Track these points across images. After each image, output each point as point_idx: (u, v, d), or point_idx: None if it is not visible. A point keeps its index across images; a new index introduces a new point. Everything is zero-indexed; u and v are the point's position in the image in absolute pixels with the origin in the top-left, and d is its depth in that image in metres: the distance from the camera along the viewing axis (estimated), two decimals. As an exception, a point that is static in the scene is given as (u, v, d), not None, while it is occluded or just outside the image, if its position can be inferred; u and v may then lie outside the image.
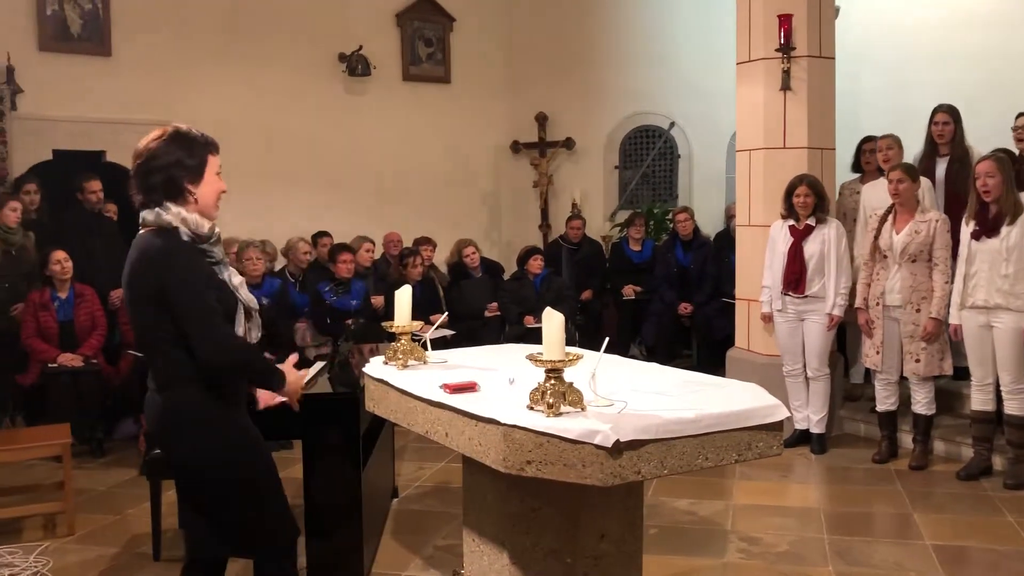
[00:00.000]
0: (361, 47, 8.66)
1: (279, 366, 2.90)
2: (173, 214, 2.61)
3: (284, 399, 3.03)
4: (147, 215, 2.65)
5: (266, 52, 8.32)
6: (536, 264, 7.67)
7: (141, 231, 2.68)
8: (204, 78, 8.06)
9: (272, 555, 2.86)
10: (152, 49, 7.83)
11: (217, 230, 2.72)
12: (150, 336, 2.66)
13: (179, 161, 2.64)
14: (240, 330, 2.74)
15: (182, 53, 7.96)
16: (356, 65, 8.66)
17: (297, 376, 2.95)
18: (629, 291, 8.09)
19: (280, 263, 7.59)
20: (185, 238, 2.62)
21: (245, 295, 2.78)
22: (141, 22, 7.79)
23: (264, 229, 7.60)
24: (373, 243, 7.79)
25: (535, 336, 2.43)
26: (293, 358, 3.04)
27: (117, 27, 7.70)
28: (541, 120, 9.36)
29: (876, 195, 5.77)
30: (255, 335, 2.83)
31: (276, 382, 2.85)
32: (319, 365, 4.62)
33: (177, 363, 2.63)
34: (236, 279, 2.78)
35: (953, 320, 5.11)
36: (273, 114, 8.37)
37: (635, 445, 2.26)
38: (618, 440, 2.23)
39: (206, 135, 2.76)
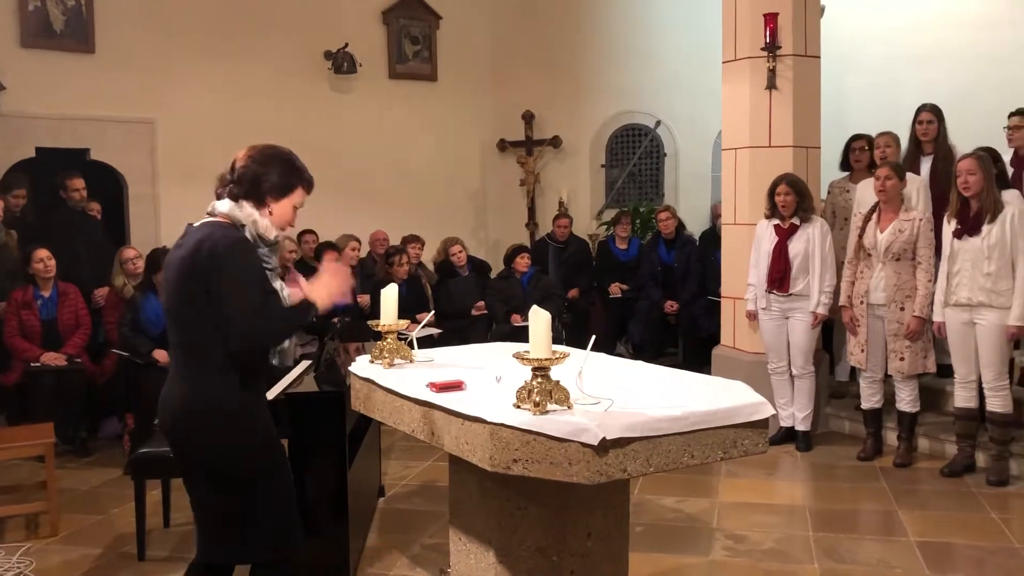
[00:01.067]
0: (347, 44, 8.63)
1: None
2: (246, 212, 2.69)
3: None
4: (220, 205, 2.71)
5: (251, 49, 8.28)
6: (523, 262, 7.67)
7: (205, 219, 2.71)
8: (189, 75, 8.01)
9: (273, 563, 2.81)
10: (136, 46, 7.77)
11: (279, 241, 2.80)
12: (191, 321, 2.66)
13: (269, 177, 2.74)
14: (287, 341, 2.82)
15: (166, 50, 7.91)
16: (342, 63, 8.63)
17: (320, 284, 2.90)
18: (615, 289, 8.11)
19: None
20: (249, 237, 2.68)
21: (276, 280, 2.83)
22: (125, 19, 7.74)
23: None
24: (359, 241, 7.77)
25: (522, 334, 2.43)
26: (330, 255, 3.12)
27: (100, 24, 7.65)
28: (528, 118, 9.36)
29: (870, 193, 5.79)
30: (295, 344, 2.88)
31: (314, 312, 2.87)
32: (305, 364, 4.61)
33: (215, 352, 2.63)
34: (286, 291, 2.82)
35: (937, 318, 5.14)
36: (258, 111, 8.32)
37: (621, 443, 2.26)
38: (604, 438, 2.23)
39: (309, 174, 2.87)
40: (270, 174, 2.74)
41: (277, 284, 2.78)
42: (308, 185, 2.85)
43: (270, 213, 2.75)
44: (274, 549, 2.78)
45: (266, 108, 8.36)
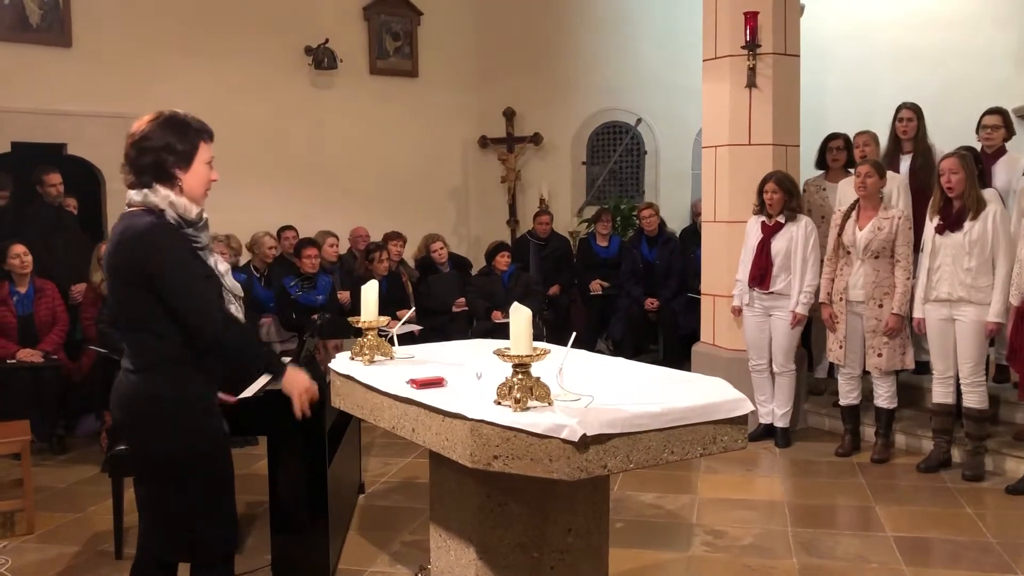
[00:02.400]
0: (328, 40, 8.59)
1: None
2: (161, 196, 2.58)
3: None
4: (134, 195, 2.61)
5: (231, 44, 8.22)
6: (503, 260, 7.67)
7: (126, 210, 2.64)
8: (167, 70, 7.94)
9: (213, 562, 2.75)
10: (113, 40, 7.70)
11: (205, 216, 2.68)
12: (133, 316, 2.61)
13: (169, 145, 2.60)
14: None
15: (145, 44, 7.84)
16: (323, 58, 8.59)
17: (299, 376, 2.83)
18: (596, 286, 8.12)
19: (245, 257, 7.52)
20: (171, 221, 2.59)
21: (230, 282, 2.78)
22: (102, 12, 7.66)
23: (228, 223, 7.49)
24: (337, 238, 7.74)
25: (503, 331, 2.42)
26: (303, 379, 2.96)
27: (77, 17, 7.57)
28: (509, 115, 9.36)
29: (851, 192, 5.83)
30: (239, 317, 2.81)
31: (278, 369, 2.79)
32: (285, 360, 4.58)
33: (159, 345, 2.59)
34: (222, 266, 2.77)
35: (917, 314, 5.19)
36: (238, 107, 8.27)
37: (601, 439, 2.27)
38: (585, 434, 2.23)
39: (202, 122, 2.72)
40: (166, 148, 2.60)
41: (211, 260, 2.72)
42: (208, 135, 2.72)
43: (181, 190, 2.62)
44: (215, 548, 2.74)
45: (246, 103, 8.31)
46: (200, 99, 8.05)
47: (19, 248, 5.99)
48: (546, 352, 2.40)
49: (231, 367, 2.81)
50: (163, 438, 2.61)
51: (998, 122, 5.69)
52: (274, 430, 3.65)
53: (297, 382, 2.82)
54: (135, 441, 2.71)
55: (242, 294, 2.84)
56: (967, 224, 4.92)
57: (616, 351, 7.50)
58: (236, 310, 2.79)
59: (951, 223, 4.98)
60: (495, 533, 2.73)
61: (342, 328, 6.04)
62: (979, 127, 5.76)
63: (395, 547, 4.25)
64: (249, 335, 2.74)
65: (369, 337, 3.16)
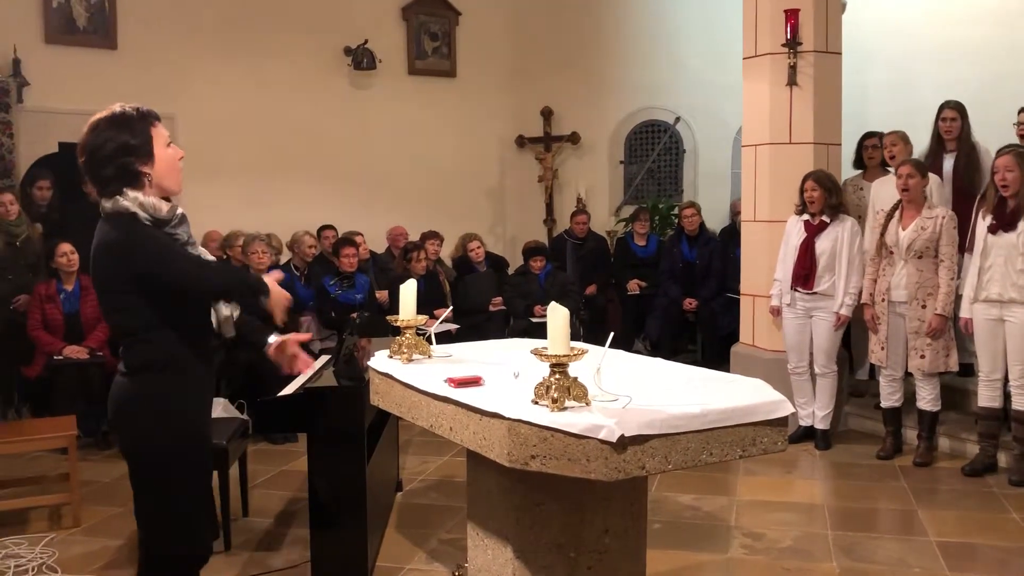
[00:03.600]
0: (367, 41, 8.66)
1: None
2: (130, 199, 2.52)
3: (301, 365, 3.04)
4: (105, 204, 2.56)
5: (272, 45, 8.32)
6: (536, 264, 7.67)
7: (101, 220, 2.60)
8: (210, 71, 8.07)
9: (165, 568, 2.70)
10: (158, 42, 7.84)
11: (179, 211, 2.63)
12: (124, 323, 2.61)
13: (123, 145, 2.54)
14: (218, 314, 2.73)
15: (188, 46, 7.98)
16: (362, 59, 8.66)
17: (280, 290, 2.84)
18: (634, 286, 8.09)
19: (285, 256, 7.60)
20: (145, 222, 2.54)
21: None
22: (147, 15, 7.80)
23: (269, 222, 7.60)
24: (362, 236, 7.72)
25: (540, 331, 2.42)
26: (276, 274, 3.00)
27: (123, 20, 7.71)
28: (546, 114, 9.35)
29: (885, 191, 5.75)
30: (228, 313, 2.78)
31: (262, 292, 2.78)
32: (324, 358, 4.63)
33: (151, 349, 2.58)
34: (208, 258, 2.76)
35: (964, 314, 5.10)
36: (278, 107, 8.38)
37: (639, 440, 2.26)
38: (623, 435, 2.22)
39: (141, 107, 2.62)
40: (121, 149, 2.53)
41: (195, 254, 2.70)
42: (154, 117, 2.63)
43: (151, 183, 2.57)
44: (164, 550, 2.68)
45: (286, 104, 8.41)
46: (241, 100, 8.21)
47: (66, 247, 6.11)
48: (583, 352, 2.39)
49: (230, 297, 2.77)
50: (147, 436, 2.59)
51: None
52: (314, 427, 3.68)
53: (281, 298, 2.82)
54: (123, 442, 2.69)
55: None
56: (1021, 224, 4.82)
57: (653, 351, 7.47)
58: (228, 303, 2.78)
59: (1005, 222, 4.88)
60: (532, 533, 2.73)
61: (380, 327, 6.09)
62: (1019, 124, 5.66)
63: (432, 545, 4.27)
64: (229, 271, 2.69)
65: (407, 336, 3.17)
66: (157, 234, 2.56)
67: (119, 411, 2.65)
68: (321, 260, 7.36)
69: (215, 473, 4.19)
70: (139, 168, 2.56)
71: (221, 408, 5.91)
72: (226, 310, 2.77)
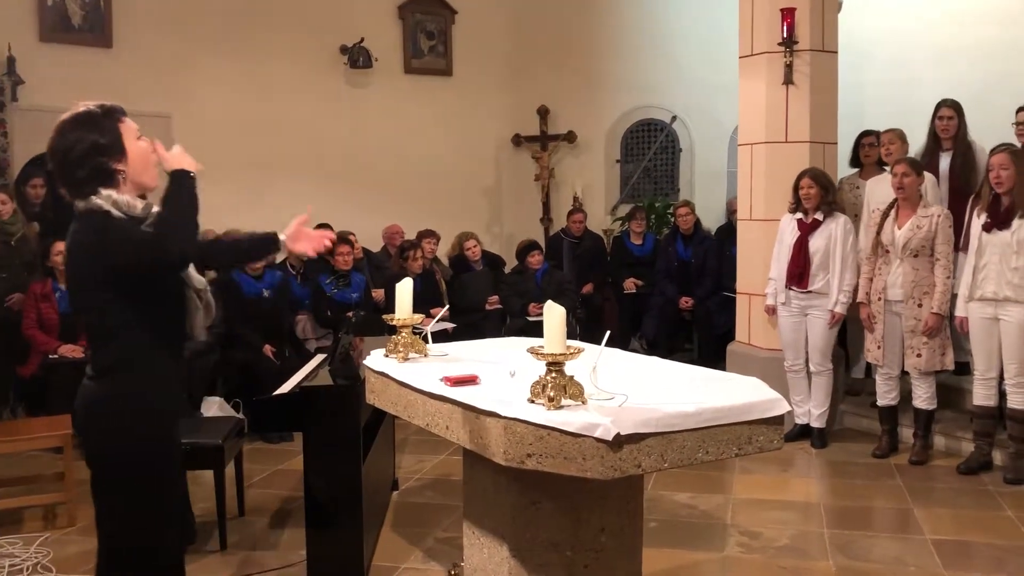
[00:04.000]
0: (363, 39, 8.65)
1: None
2: (103, 197, 2.45)
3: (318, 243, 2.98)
4: (79, 203, 2.49)
5: (268, 44, 8.31)
6: (535, 259, 7.67)
7: (74, 219, 2.53)
8: (205, 70, 8.05)
9: None
10: (153, 41, 7.82)
11: (155, 209, 2.54)
12: (94, 322, 2.54)
13: (94, 144, 2.46)
14: (195, 318, 2.65)
15: (183, 45, 7.96)
16: (358, 57, 8.65)
17: (297, 227, 2.86)
18: (630, 285, 8.09)
19: (281, 255, 7.58)
20: (120, 220, 2.47)
21: (195, 278, 2.66)
22: (142, 13, 7.78)
23: (265, 221, 7.54)
24: (355, 236, 7.68)
25: (536, 329, 2.42)
26: (303, 217, 2.95)
27: (118, 18, 7.70)
28: (543, 113, 9.34)
29: (881, 190, 5.76)
30: (202, 319, 2.70)
31: (272, 243, 2.79)
32: (320, 357, 4.63)
33: (122, 350, 2.51)
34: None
35: (959, 312, 5.11)
36: (274, 106, 8.37)
37: (635, 438, 2.26)
38: (619, 433, 2.22)
39: (105, 104, 2.55)
40: (92, 149, 2.45)
41: None
42: (120, 112, 2.56)
43: (124, 180, 2.49)
44: (137, 555, 2.57)
45: (282, 103, 8.40)
46: (236, 98, 8.19)
47: (61, 245, 6.06)
48: (580, 351, 2.39)
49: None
50: (112, 440, 2.52)
51: None
52: (310, 426, 3.67)
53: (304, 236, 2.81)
54: (89, 445, 2.61)
55: (208, 288, 2.72)
56: (1015, 222, 4.82)
57: (650, 350, 7.47)
58: (194, 308, 2.67)
59: (999, 221, 4.88)
60: (528, 531, 2.73)
61: (376, 325, 6.09)
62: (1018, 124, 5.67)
63: (428, 544, 4.26)
64: (173, 206, 2.49)
65: (403, 334, 3.17)
66: (130, 229, 2.46)
67: (87, 414, 2.56)
68: (317, 259, 7.34)
69: (211, 472, 4.23)
70: (113, 166, 2.49)
71: (217, 407, 5.92)
72: (198, 312, 2.68)
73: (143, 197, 2.58)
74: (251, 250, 3.05)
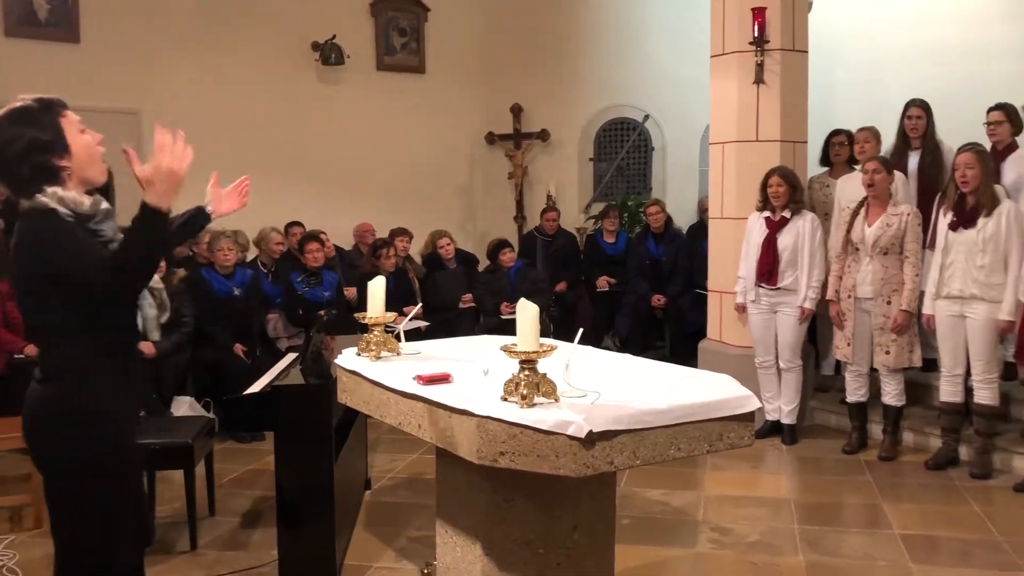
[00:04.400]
0: (335, 36, 8.60)
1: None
2: (49, 195, 2.34)
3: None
4: (24, 202, 2.37)
5: (238, 40, 8.25)
6: (507, 257, 7.66)
7: (19, 218, 2.41)
8: (175, 66, 7.97)
9: None
10: (121, 36, 7.72)
11: (104, 205, 2.46)
12: (41, 324, 2.43)
13: (34, 141, 2.34)
14: (143, 316, 2.54)
15: (152, 40, 7.87)
16: (330, 54, 8.61)
17: (215, 191, 2.74)
18: (603, 283, 8.11)
19: (252, 253, 7.53)
20: (67, 218, 2.35)
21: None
22: (110, 8, 7.69)
23: (235, 218, 7.47)
24: (326, 234, 7.64)
25: (510, 327, 2.41)
26: (213, 179, 2.80)
27: (85, 13, 7.59)
28: (516, 111, 9.34)
29: (851, 188, 5.81)
30: (155, 317, 2.58)
31: (202, 216, 2.64)
32: (291, 356, 4.60)
33: (68, 353, 2.40)
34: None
35: (926, 310, 5.17)
36: (245, 102, 8.30)
37: (608, 436, 2.26)
38: (591, 431, 2.23)
39: (43, 97, 2.42)
40: (32, 146, 2.33)
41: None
42: (60, 105, 2.43)
43: (69, 177, 2.38)
44: (90, 566, 2.46)
45: (253, 99, 8.33)
46: (207, 94, 8.11)
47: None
48: (552, 348, 2.39)
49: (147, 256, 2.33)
50: (60, 446, 2.40)
51: (1000, 118, 5.65)
52: (281, 425, 3.65)
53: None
54: (37, 453, 2.48)
55: (161, 286, 2.64)
56: (981, 221, 4.89)
57: (623, 347, 7.49)
58: (149, 305, 2.58)
59: (965, 219, 4.95)
60: (501, 529, 2.73)
61: (348, 324, 6.07)
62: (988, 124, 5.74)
63: (401, 543, 4.25)
64: (124, 240, 2.33)
65: (375, 333, 3.15)
66: (77, 232, 2.36)
67: (33, 419, 2.44)
68: (289, 257, 7.30)
69: (181, 472, 4.19)
70: (56, 163, 2.37)
71: (187, 406, 5.87)
72: (152, 311, 2.60)
73: (91, 192, 2.47)
74: (183, 233, 2.94)
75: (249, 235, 7.52)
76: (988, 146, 5.62)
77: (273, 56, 8.44)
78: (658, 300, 7.74)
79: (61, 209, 2.34)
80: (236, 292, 6.49)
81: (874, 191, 5.31)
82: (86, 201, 2.40)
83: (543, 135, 9.37)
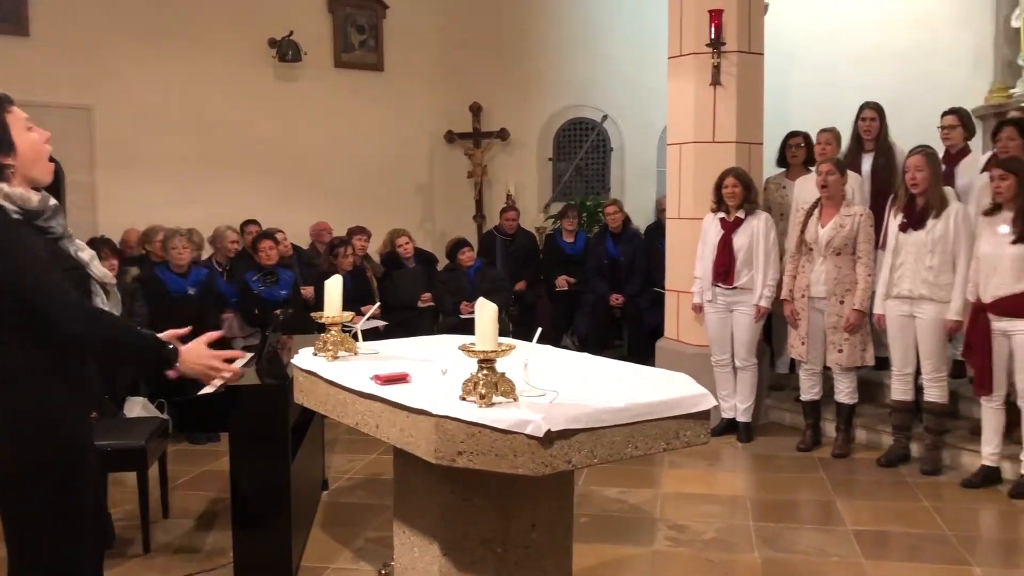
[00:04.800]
0: (292, 32, 8.52)
1: (172, 341, 2.45)
2: None
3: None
4: None
5: (194, 35, 8.13)
6: (466, 257, 7.65)
7: None
8: (128, 60, 7.84)
9: None
10: (73, 30, 7.57)
11: (52, 202, 2.39)
12: None
13: None
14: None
15: (105, 34, 7.73)
16: (287, 51, 8.52)
17: (199, 350, 2.45)
18: (562, 282, 8.14)
19: (207, 252, 7.43)
20: (15, 216, 2.28)
21: (98, 270, 2.49)
22: (61, 1, 7.53)
23: (191, 217, 7.41)
24: (283, 233, 7.54)
25: (469, 327, 2.41)
26: (208, 336, 2.56)
27: (35, 5, 7.44)
28: (475, 110, 9.34)
29: (808, 189, 5.89)
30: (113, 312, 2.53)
31: (165, 356, 2.39)
32: (247, 356, 4.54)
33: (19, 355, 2.31)
34: (85, 254, 2.46)
35: (877, 310, 5.26)
36: (201, 99, 8.19)
37: (566, 435, 2.27)
38: (549, 430, 2.23)
39: None
40: None
41: (72, 249, 2.42)
42: (7, 100, 2.37)
43: (13, 175, 2.31)
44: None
45: (209, 95, 8.22)
46: (161, 91, 7.99)
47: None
48: (511, 348, 2.39)
49: (115, 361, 2.42)
50: (11, 453, 2.30)
51: (954, 122, 5.78)
52: (236, 426, 3.61)
53: (200, 356, 2.44)
54: None
55: (114, 282, 2.56)
56: (930, 222, 4.98)
57: (581, 347, 7.52)
58: (102, 302, 2.52)
59: (914, 221, 5.04)
60: (459, 529, 2.72)
61: (305, 324, 6.01)
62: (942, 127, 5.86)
63: (359, 544, 4.22)
64: (120, 324, 2.39)
65: (333, 333, 3.13)
66: (31, 235, 2.28)
67: None
68: (244, 256, 7.21)
69: (135, 474, 4.12)
70: (0, 161, 2.30)
71: (140, 407, 5.77)
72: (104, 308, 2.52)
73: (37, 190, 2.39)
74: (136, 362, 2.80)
75: (204, 233, 7.43)
76: (941, 149, 5.75)
77: (229, 53, 8.33)
78: (616, 299, 7.79)
79: (8, 206, 2.27)
80: (191, 291, 6.41)
81: (827, 192, 5.39)
82: (34, 198, 2.33)
83: (503, 134, 9.37)
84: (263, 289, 6.71)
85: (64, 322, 2.28)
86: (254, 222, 7.66)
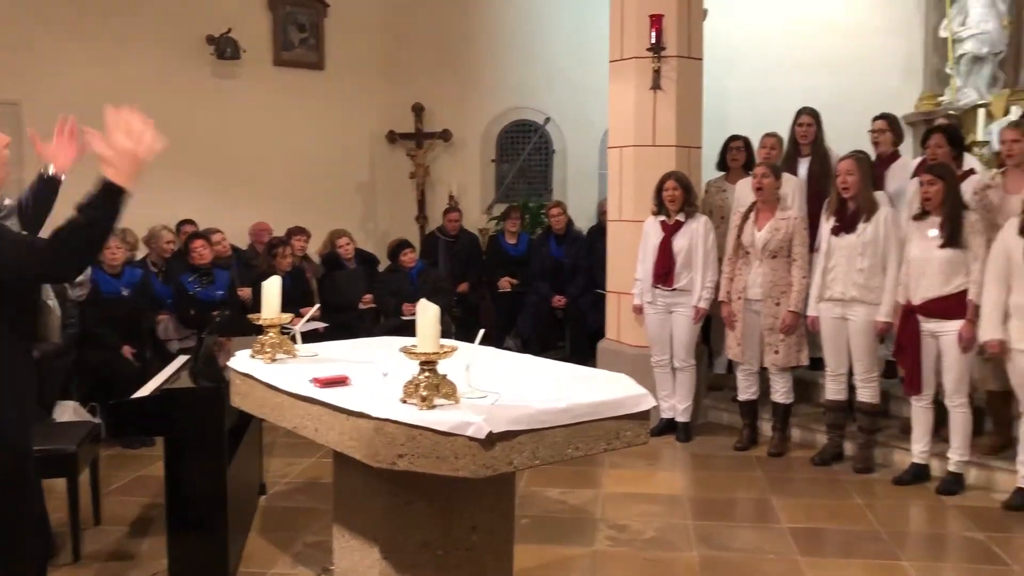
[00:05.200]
0: (230, 30, 8.37)
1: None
2: None
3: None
4: None
5: (129, 30, 7.93)
6: (407, 258, 7.61)
7: None
8: (58, 55, 7.61)
9: None
10: (1, 21, 7.33)
11: (7, 201, 2.36)
12: None
13: None
14: (48, 318, 2.45)
15: (34, 26, 7.49)
16: (225, 48, 8.37)
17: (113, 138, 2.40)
18: (505, 284, 8.14)
19: (141, 252, 7.26)
20: None
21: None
22: (-12, -8, 7.29)
23: (125, 216, 7.21)
24: (222, 233, 7.45)
25: (411, 329, 2.39)
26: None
27: (-41, -3, 7.19)
28: (418, 111, 9.29)
29: (748, 192, 5.98)
30: (57, 319, 2.49)
31: (118, 192, 2.42)
32: (183, 359, 4.46)
33: None
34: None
35: (811, 312, 5.36)
36: (136, 96, 7.85)
37: (507, 436, 2.27)
38: (491, 432, 2.23)
39: None
40: None
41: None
42: None
43: None
44: None
45: (144, 92, 7.97)
46: (93, 86, 7.76)
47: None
48: (453, 349, 2.39)
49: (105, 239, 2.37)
50: None
51: (883, 126, 5.92)
52: (171, 430, 3.53)
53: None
54: None
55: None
56: (860, 226, 5.10)
57: (524, 348, 7.53)
58: (53, 304, 2.48)
59: (846, 224, 5.16)
60: (400, 532, 2.70)
61: (243, 325, 5.91)
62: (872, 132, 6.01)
63: (297, 548, 4.17)
64: (72, 224, 2.35)
65: (271, 335, 3.09)
66: (9, 232, 2.27)
67: None
68: (180, 256, 7.06)
69: (64, 480, 4.00)
70: None
71: (71, 411, 5.61)
72: (56, 309, 2.49)
73: None
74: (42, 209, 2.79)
75: (138, 234, 7.25)
76: (873, 154, 5.89)
77: (166, 48, 8.15)
78: (559, 301, 7.82)
79: None
80: (124, 292, 6.26)
81: (762, 195, 5.49)
82: None
83: (445, 135, 9.35)
84: (199, 290, 6.58)
85: (57, 273, 2.27)
86: (190, 222, 7.50)
